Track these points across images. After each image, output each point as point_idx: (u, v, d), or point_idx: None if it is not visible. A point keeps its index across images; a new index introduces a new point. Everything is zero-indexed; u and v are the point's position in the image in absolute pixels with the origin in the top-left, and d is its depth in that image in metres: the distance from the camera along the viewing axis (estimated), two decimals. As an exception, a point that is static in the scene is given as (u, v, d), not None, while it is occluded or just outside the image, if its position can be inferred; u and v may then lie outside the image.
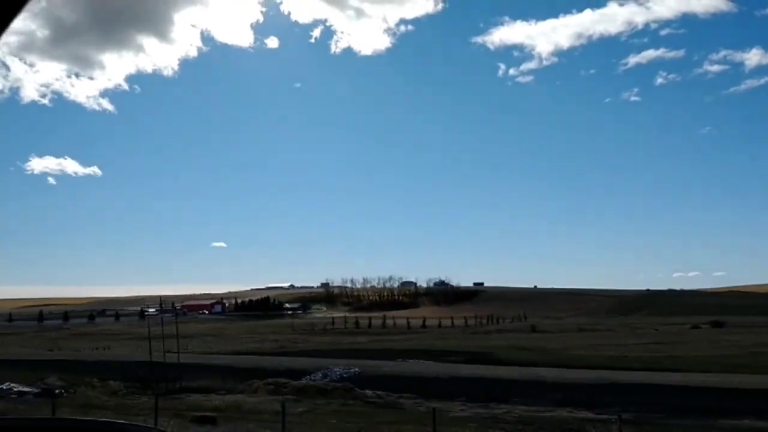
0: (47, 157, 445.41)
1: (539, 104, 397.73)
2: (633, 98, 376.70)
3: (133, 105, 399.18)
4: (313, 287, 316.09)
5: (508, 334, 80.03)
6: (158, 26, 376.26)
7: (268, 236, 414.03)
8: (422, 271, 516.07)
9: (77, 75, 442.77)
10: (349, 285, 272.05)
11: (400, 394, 27.53)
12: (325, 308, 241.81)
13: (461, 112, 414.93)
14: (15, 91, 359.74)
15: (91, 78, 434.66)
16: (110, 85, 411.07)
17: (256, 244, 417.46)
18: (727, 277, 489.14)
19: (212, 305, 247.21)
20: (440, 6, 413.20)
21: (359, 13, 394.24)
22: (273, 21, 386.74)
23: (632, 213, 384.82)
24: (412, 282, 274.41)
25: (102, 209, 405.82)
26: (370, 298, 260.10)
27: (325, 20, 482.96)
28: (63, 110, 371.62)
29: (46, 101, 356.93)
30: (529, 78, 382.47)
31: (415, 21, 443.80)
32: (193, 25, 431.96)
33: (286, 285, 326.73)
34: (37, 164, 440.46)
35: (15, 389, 27.88)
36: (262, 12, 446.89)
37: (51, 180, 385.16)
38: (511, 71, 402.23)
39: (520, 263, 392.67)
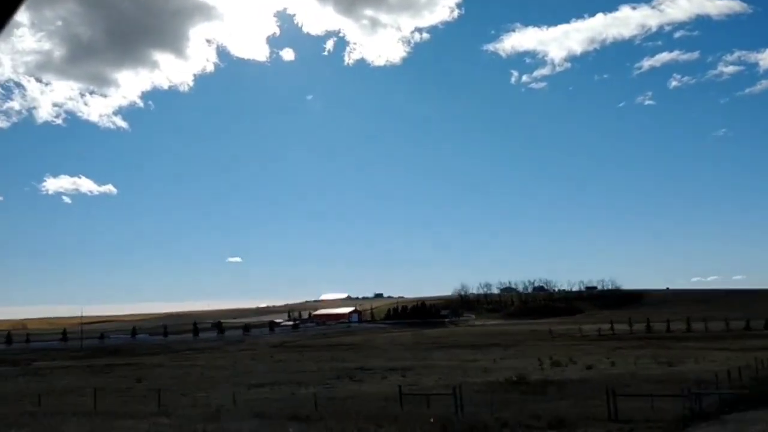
0: (62, 176, 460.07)
1: (553, 110, 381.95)
2: (647, 102, 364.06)
3: (148, 122, 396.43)
4: (368, 296, 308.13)
5: None
6: (174, 42, 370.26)
7: (284, 250, 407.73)
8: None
9: (91, 93, 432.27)
10: (481, 291, 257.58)
11: None
12: (474, 315, 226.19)
13: (476, 121, 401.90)
14: (31, 111, 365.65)
15: (104, 96, 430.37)
16: (124, 102, 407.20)
17: (274, 259, 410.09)
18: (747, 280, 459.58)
19: (349, 314, 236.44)
20: (456, 13, 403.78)
21: (374, 22, 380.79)
22: (288, 33, 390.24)
23: (644, 214, 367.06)
24: (512, 288, 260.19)
25: (118, 227, 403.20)
26: (516, 305, 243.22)
27: (338, 31, 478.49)
28: (76, 129, 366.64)
29: (59, 121, 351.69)
30: (542, 84, 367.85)
31: (431, 29, 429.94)
32: (208, 41, 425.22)
33: (343, 296, 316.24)
34: (52, 184, 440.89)
35: None
36: (277, 25, 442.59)
37: (66, 199, 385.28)
38: (524, 78, 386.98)
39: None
